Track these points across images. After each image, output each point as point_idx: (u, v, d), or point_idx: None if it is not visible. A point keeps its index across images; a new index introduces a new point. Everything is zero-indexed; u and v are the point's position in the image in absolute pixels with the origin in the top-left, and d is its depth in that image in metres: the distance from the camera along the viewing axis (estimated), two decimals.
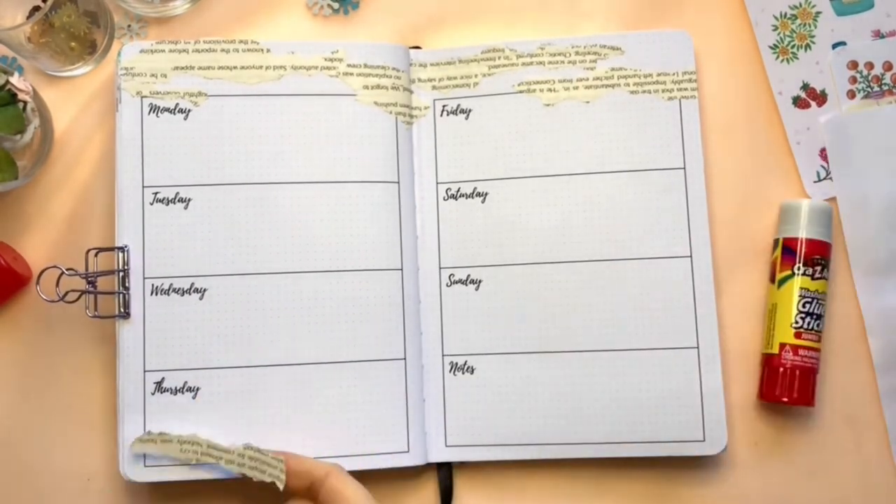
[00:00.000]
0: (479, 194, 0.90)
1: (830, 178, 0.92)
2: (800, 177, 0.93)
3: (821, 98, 0.93)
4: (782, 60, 0.94)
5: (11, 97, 0.85)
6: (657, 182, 0.90)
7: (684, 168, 0.90)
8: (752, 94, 0.94)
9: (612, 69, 0.91)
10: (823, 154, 0.93)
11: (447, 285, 0.90)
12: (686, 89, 0.91)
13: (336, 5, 0.94)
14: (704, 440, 0.87)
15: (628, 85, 0.91)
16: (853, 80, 0.93)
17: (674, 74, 0.91)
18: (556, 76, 0.91)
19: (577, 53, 0.92)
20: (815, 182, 0.93)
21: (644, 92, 0.91)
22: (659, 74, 0.91)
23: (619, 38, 0.92)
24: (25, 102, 0.86)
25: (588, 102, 0.91)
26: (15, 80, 0.86)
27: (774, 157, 0.93)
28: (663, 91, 0.91)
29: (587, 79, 0.91)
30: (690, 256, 0.89)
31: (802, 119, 0.93)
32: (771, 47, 0.94)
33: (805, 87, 0.93)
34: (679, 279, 0.89)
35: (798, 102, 0.93)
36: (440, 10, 0.95)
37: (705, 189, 0.90)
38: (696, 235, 0.89)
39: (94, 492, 0.88)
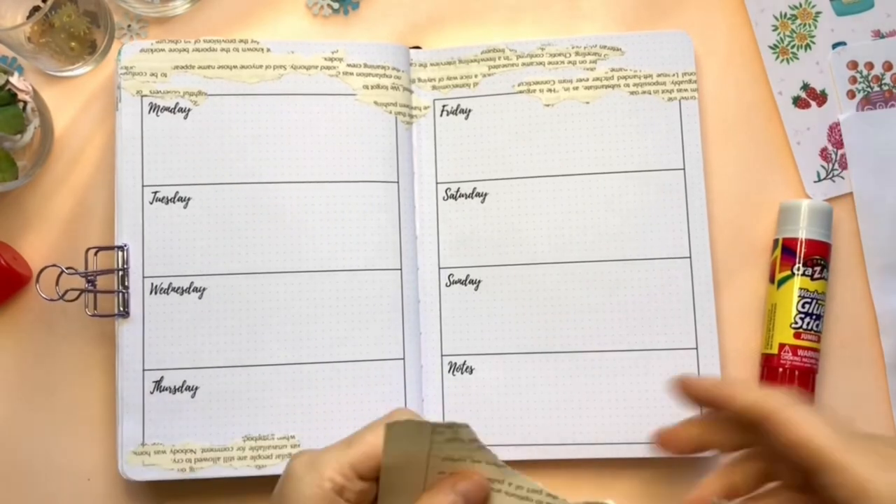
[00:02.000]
0: (478, 194, 0.90)
1: (831, 179, 0.92)
2: (800, 177, 0.93)
3: (821, 98, 0.93)
4: (782, 60, 0.94)
5: (11, 97, 0.85)
6: (657, 183, 0.90)
7: (684, 169, 0.90)
8: (752, 94, 0.94)
9: (612, 70, 0.91)
10: (824, 154, 0.93)
11: (446, 285, 0.90)
12: (686, 90, 0.91)
13: (336, 5, 0.94)
14: None
15: (628, 86, 0.91)
16: (853, 80, 0.93)
17: (674, 75, 0.91)
18: (556, 76, 0.91)
19: (577, 54, 0.91)
20: (815, 182, 0.93)
21: (644, 93, 0.91)
22: (659, 75, 0.91)
23: (619, 38, 0.92)
24: (25, 102, 0.86)
25: (588, 103, 0.91)
26: (15, 80, 0.86)
27: (774, 157, 0.93)
28: (663, 92, 0.91)
29: (587, 79, 0.91)
30: (690, 257, 0.89)
31: (802, 119, 0.93)
32: (771, 47, 0.94)
33: (805, 87, 0.93)
34: (678, 280, 0.89)
35: (798, 102, 0.93)
36: (440, 10, 0.95)
37: (705, 190, 0.90)
38: (695, 236, 0.89)
39: (94, 491, 0.88)
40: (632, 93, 0.91)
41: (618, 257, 0.89)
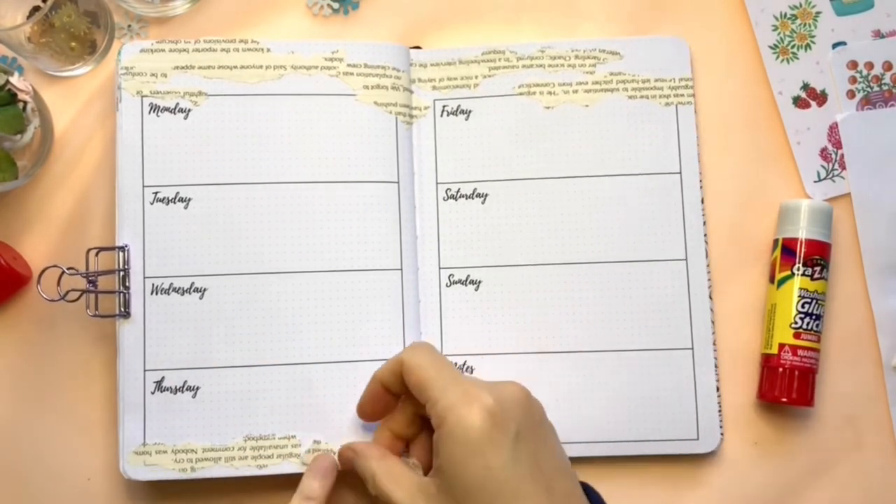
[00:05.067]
0: (479, 195, 0.90)
1: (831, 179, 0.93)
2: (800, 177, 0.93)
3: (821, 98, 0.93)
4: (782, 60, 0.94)
5: (11, 97, 0.85)
6: (654, 186, 0.90)
7: (680, 173, 0.90)
8: (752, 93, 0.94)
9: (611, 74, 0.91)
10: (824, 154, 0.93)
11: (447, 285, 0.90)
12: (682, 95, 0.91)
13: (336, 5, 0.94)
14: (698, 439, 0.87)
15: (626, 90, 0.91)
16: (853, 80, 0.93)
17: (671, 80, 0.92)
18: (555, 79, 0.91)
19: (576, 57, 0.92)
20: (815, 182, 0.93)
21: (642, 97, 0.91)
22: (656, 80, 0.92)
23: (618, 43, 0.92)
24: (25, 102, 0.86)
25: (587, 106, 0.91)
26: (15, 80, 0.86)
27: (774, 157, 0.93)
28: (660, 97, 0.91)
29: (586, 83, 0.91)
30: (686, 259, 0.89)
31: (803, 119, 0.93)
32: (771, 47, 0.94)
33: (805, 87, 0.93)
34: (674, 282, 0.89)
35: (798, 102, 0.93)
36: (440, 10, 0.94)
37: (701, 193, 0.90)
38: (691, 239, 0.90)
39: (94, 491, 0.88)
40: (630, 97, 0.91)
41: (616, 259, 0.89)
